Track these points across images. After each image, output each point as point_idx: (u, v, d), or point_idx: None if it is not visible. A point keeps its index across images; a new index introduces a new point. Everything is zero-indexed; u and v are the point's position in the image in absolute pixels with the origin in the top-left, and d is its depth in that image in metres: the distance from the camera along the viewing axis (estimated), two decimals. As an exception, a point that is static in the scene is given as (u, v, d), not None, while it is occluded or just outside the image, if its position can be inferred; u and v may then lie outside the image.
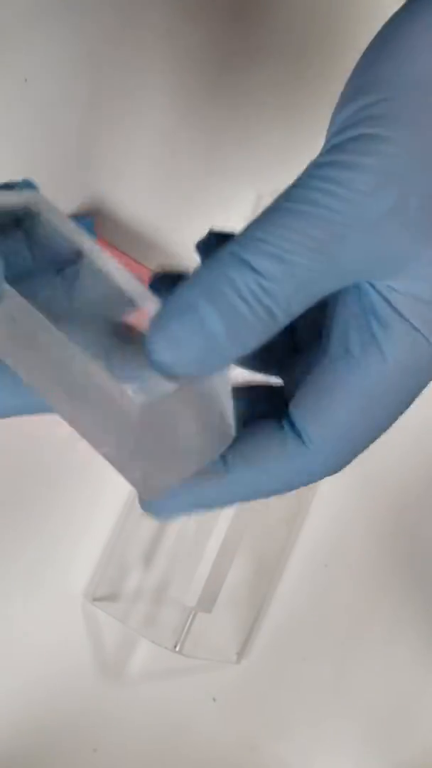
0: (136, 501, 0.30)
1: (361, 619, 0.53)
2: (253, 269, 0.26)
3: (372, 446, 0.60)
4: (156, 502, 0.30)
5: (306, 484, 0.30)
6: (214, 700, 0.52)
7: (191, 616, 0.48)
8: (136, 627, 0.50)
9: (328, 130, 0.28)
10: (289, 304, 0.26)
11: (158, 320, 0.26)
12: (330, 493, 0.53)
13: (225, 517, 0.48)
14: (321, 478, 0.30)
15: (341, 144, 0.27)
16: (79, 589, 0.51)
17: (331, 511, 0.53)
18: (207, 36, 0.54)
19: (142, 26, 0.54)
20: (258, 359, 0.31)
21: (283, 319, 0.26)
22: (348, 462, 0.30)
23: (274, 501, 0.52)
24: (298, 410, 0.29)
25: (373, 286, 0.28)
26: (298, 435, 0.29)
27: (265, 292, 0.26)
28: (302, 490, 0.53)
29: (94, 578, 0.51)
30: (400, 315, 0.27)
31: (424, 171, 0.26)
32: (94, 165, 0.52)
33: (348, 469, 0.55)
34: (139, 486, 0.28)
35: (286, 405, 0.30)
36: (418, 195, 0.26)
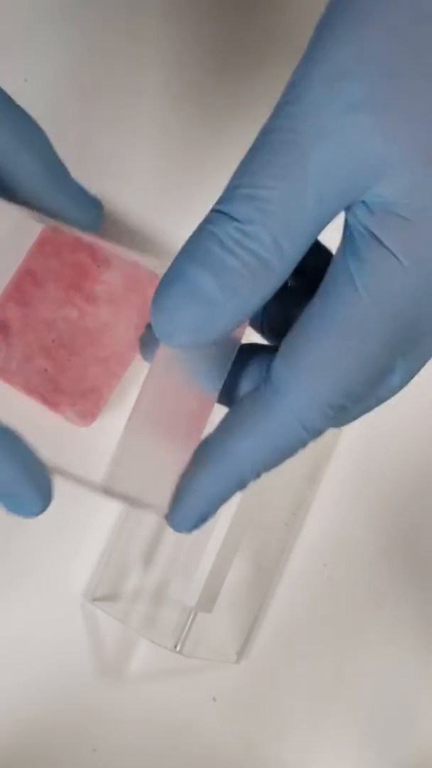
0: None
1: (361, 619, 0.53)
2: (231, 218, 0.25)
3: (371, 447, 0.60)
4: (176, 518, 0.29)
5: (292, 441, 0.28)
6: (214, 699, 0.52)
7: (191, 616, 0.48)
8: (136, 627, 0.50)
9: None
10: (277, 245, 0.25)
11: (155, 294, 0.25)
12: (330, 493, 0.53)
13: (225, 517, 0.48)
14: (303, 428, 0.27)
15: (295, 69, 0.26)
16: (78, 589, 0.51)
17: (331, 511, 0.53)
18: (208, 36, 0.54)
19: (143, 27, 0.54)
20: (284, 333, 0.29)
21: (278, 265, 0.25)
22: (326, 410, 0.27)
23: (274, 500, 0.52)
24: (275, 361, 0.28)
25: (350, 208, 0.26)
26: (269, 382, 0.27)
27: (248, 238, 0.25)
28: (302, 490, 0.53)
29: (94, 578, 0.51)
30: (375, 238, 0.26)
31: (372, 61, 0.25)
32: (93, 166, 0.52)
33: (348, 470, 0.55)
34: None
35: None
36: (369, 86, 0.25)
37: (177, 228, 0.53)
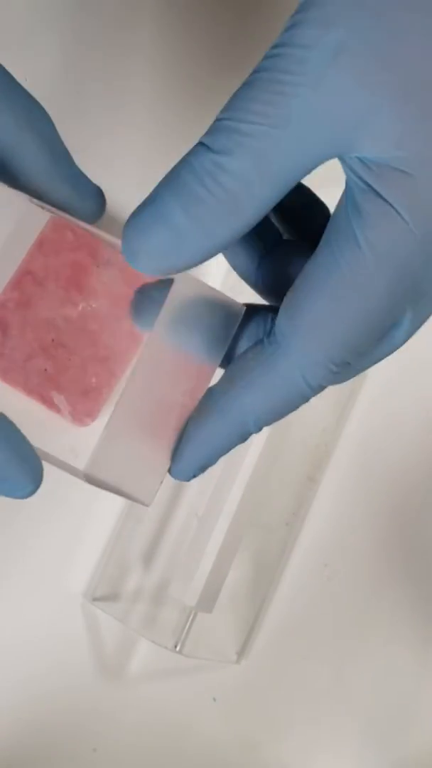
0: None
1: (361, 619, 0.53)
2: (209, 148, 0.25)
3: (371, 447, 0.59)
4: (177, 467, 0.29)
5: (295, 396, 0.28)
6: (214, 699, 0.52)
7: (191, 616, 0.48)
8: (136, 627, 0.50)
9: None
10: (248, 182, 0.25)
11: (131, 215, 0.26)
12: (330, 493, 0.53)
13: (225, 516, 0.48)
14: (306, 384, 0.28)
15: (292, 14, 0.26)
16: (79, 589, 0.51)
17: (331, 511, 0.53)
18: (207, 36, 0.54)
19: (143, 27, 0.54)
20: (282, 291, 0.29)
21: (247, 202, 0.25)
22: (330, 367, 0.27)
23: (274, 500, 0.52)
24: (278, 316, 0.28)
25: (346, 162, 0.26)
26: (273, 338, 0.28)
27: (219, 169, 0.25)
28: (302, 490, 0.53)
29: (94, 578, 0.51)
30: (374, 191, 0.25)
31: (361, 9, 0.25)
32: (92, 164, 0.52)
33: (348, 470, 0.55)
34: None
35: None
36: (354, 34, 0.25)
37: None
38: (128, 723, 0.51)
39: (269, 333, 0.28)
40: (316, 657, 0.53)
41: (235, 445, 0.29)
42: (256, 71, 0.26)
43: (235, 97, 0.26)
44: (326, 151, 0.25)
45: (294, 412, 0.29)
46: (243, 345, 0.30)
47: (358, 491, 0.54)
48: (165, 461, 0.29)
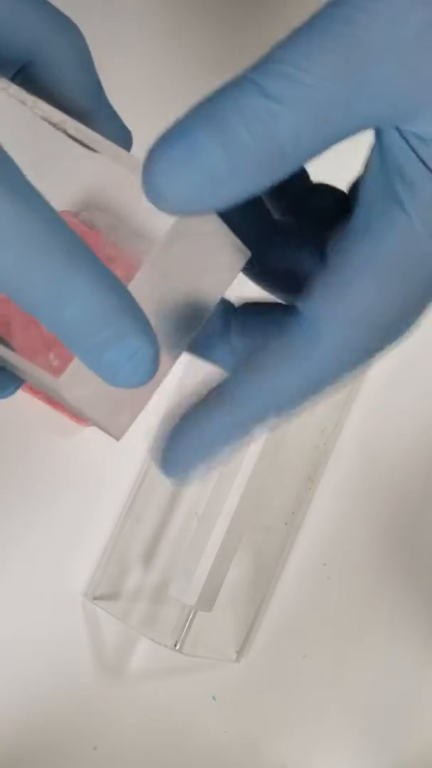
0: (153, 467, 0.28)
1: (361, 618, 0.53)
2: (264, 92, 0.23)
3: (370, 447, 0.60)
4: (168, 458, 0.26)
5: (321, 384, 0.26)
6: (213, 698, 0.52)
7: (191, 615, 0.48)
8: (136, 626, 0.50)
9: None
10: (298, 136, 0.23)
11: (156, 145, 0.23)
12: (329, 493, 0.54)
13: (225, 516, 0.49)
14: (334, 376, 0.25)
15: None
16: (79, 588, 0.51)
17: (330, 510, 0.54)
18: (212, 33, 0.54)
19: (147, 23, 0.54)
20: (283, 279, 0.27)
21: (291, 156, 0.23)
22: (363, 354, 0.25)
23: (274, 500, 0.52)
24: (307, 297, 0.25)
25: (400, 133, 0.24)
26: (305, 325, 0.25)
27: (273, 118, 0.22)
28: (302, 490, 0.53)
29: (95, 577, 0.51)
30: (429, 170, 0.24)
31: None
32: (90, 159, 0.52)
33: (347, 470, 0.55)
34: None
35: None
36: None
37: (169, 221, 0.53)
38: (128, 721, 0.51)
39: (295, 316, 0.26)
40: (315, 656, 0.53)
41: (240, 442, 0.27)
42: (334, 17, 0.23)
43: (305, 38, 0.23)
44: (384, 119, 0.24)
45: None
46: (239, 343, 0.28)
47: (357, 491, 0.54)
48: (144, 399, 0.26)
